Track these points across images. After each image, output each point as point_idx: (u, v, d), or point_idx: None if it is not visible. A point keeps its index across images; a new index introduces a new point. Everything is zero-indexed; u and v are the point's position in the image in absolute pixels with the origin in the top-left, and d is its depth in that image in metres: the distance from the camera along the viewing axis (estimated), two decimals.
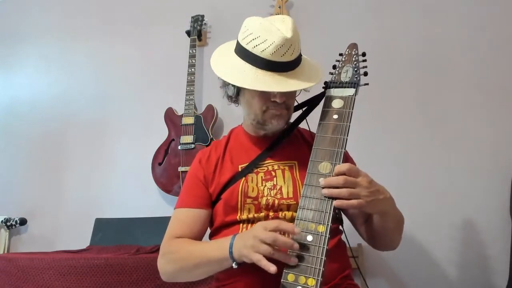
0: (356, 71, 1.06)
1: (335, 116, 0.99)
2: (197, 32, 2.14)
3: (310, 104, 1.15)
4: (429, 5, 1.96)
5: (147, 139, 2.15)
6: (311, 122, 1.17)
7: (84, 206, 2.19)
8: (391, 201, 0.98)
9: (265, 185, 1.06)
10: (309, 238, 0.85)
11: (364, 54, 1.08)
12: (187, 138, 1.97)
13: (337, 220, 1.10)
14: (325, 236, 0.84)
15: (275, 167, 1.09)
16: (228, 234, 0.99)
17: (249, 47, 1.01)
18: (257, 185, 1.06)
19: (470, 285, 1.68)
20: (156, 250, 1.64)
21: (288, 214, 1.02)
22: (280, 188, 1.05)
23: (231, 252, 0.90)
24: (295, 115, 1.19)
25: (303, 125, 1.20)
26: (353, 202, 0.87)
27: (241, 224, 1.04)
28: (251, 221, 1.03)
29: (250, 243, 0.86)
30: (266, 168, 1.09)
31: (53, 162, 2.32)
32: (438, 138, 1.83)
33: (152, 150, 2.04)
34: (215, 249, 0.96)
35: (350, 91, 1.02)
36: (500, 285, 1.64)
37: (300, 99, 1.17)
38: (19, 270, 1.43)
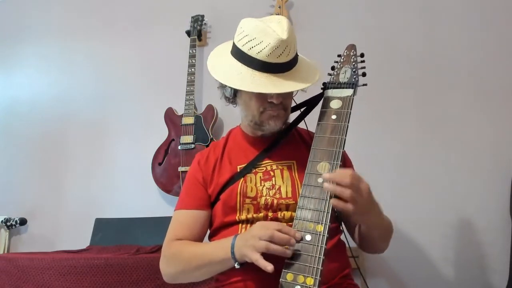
0: (354, 72, 1.06)
1: (334, 117, 1.00)
2: (197, 32, 2.14)
3: (309, 104, 1.16)
4: (429, 5, 1.96)
5: (147, 139, 2.15)
6: (310, 123, 1.17)
7: (84, 206, 2.19)
8: (380, 214, 0.99)
9: (264, 185, 1.06)
10: (308, 237, 0.85)
11: (362, 55, 1.08)
12: (187, 138, 1.97)
13: (336, 219, 1.10)
14: (323, 235, 0.84)
15: (274, 167, 1.09)
16: (227, 235, 0.99)
17: (245, 49, 1.01)
18: (255, 185, 1.06)
19: (470, 285, 1.68)
20: (156, 250, 1.64)
21: (287, 214, 1.02)
22: (279, 188, 1.05)
23: (233, 252, 0.91)
24: (294, 115, 1.19)
25: (301, 125, 1.20)
26: (349, 206, 0.86)
27: (240, 225, 1.04)
28: (250, 222, 1.03)
29: (250, 242, 0.87)
30: (264, 168, 1.09)
31: (53, 162, 2.32)
32: (438, 138, 1.83)
33: (152, 150, 2.04)
34: (217, 250, 0.96)
35: (348, 92, 1.03)
36: (500, 285, 1.64)
37: (298, 99, 1.17)
38: (19, 270, 1.43)
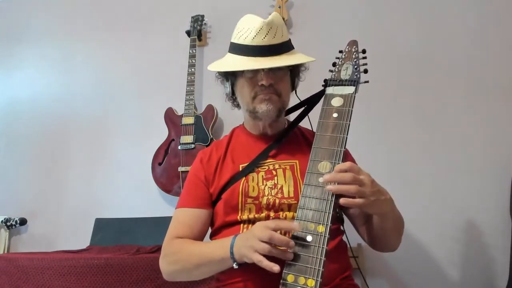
0: (356, 68, 1.05)
1: (335, 115, 0.98)
2: (197, 32, 2.14)
3: (310, 102, 1.16)
4: (429, 5, 1.96)
5: (147, 139, 2.15)
6: (312, 121, 1.17)
7: (84, 206, 2.18)
8: (391, 202, 0.97)
9: (266, 184, 1.06)
10: (309, 238, 0.84)
11: (364, 51, 1.07)
12: (187, 138, 1.97)
13: (338, 219, 1.10)
14: (324, 236, 0.83)
15: (276, 166, 1.09)
16: (229, 234, 0.99)
17: (235, 40, 1.08)
18: (258, 184, 1.06)
19: (469, 284, 1.68)
20: (156, 250, 1.64)
21: (289, 214, 1.01)
22: (281, 187, 1.05)
23: (232, 253, 0.91)
24: (295, 115, 1.19)
25: (306, 124, 1.20)
26: (359, 201, 0.85)
27: (241, 225, 1.04)
28: (251, 222, 1.03)
29: (249, 243, 0.86)
30: (267, 167, 1.09)
31: (53, 162, 2.32)
32: (437, 138, 1.83)
33: (152, 150, 2.03)
34: (216, 250, 0.96)
35: (350, 89, 1.01)
36: (500, 285, 1.64)
37: (300, 97, 1.17)
38: (19, 270, 1.43)
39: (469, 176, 1.75)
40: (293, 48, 1.13)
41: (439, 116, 1.85)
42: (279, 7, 2.06)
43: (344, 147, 0.93)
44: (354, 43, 1.11)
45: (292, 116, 1.23)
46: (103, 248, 1.74)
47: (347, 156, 1.16)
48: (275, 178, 1.07)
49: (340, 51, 1.10)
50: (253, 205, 1.04)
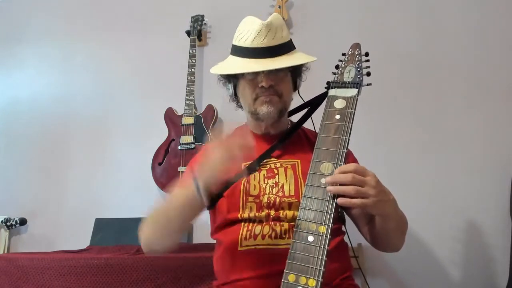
0: (359, 71, 1.05)
1: (338, 116, 0.98)
2: (197, 32, 2.14)
3: (313, 104, 1.15)
4: (429, 5, 1.96)
5: (147, 139, 2.14)
6: (315, 122, 1.17)
7: (84, 206, 2.18)
8: (394, 203, 0.98)
9: (267, 183, 1.07)
10: (310, 238, 0.84)
11: (367, 54, 1.08)
12: (187, 138, 1.97)
13: (339, 220, 1.10)
14: (326, 236, 0.83)
15: (278, 165, 1.10)
16: (230, 233, 1.00)
17: (236, 43, 1.09)
18: (259, 182, 1.07)
19: (469, 284, 1.68)
20: None
21: (290, 213, 1.01)
22: (282, 186, 1.05)
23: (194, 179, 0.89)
24: (299, 116, 1.18)
25: (309, 125, 1.20)
26: (356, 201, 0.86)
27: (242, 223, 1.03)
28: (252, 220, 1.03)
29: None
30: (268, 166, 1.10)
31: (53, 162, 2.32)
32: (437, 138, 1.83)
33: (152, 150, 2.03)
34: (180, 193, 0.95)
35: (352, 91, 1.02)
36: (500, 285, 1.64)
37: (300, 99, 1.17)
38: (19, 270, 1.43)
39: (469, 176, 1.75)
40: (294, 48, 1.13)
41: (439, 116, 1.85)
42: (279, 7, 2.06)
43: (346, 149, 0.93)
44: (357, 46, 1.11)
45: (295, 117, 1.23)
46: (103, 248, 1.74)
47: (348, 156, 1.15)
48: (277, 176, 1.07)
49: (343, 54, 1.11)
50: (254, 204, 1.04)
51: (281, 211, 1.02)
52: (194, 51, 2.10)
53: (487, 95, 1.81)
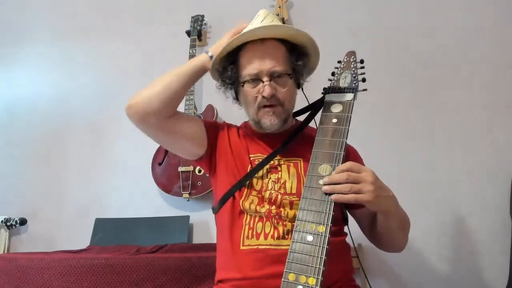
0: (354, 77, 1.08)
1: (334, 120, 1.01)
2: (197, 32, 2.14)
3: (311, 109, 1.16)
4: (431, 5, 1.96)
5: (147, 139, 2.12)
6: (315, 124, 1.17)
7: (84, 206, 2.18)
8: (394, 200, 0.98)
9: (270, 178, 1.07)
10: (309, 238, 0.85)
11: (362, 61, 1.10)
12: None
13: (343, 220, 1.10)
14: (325, 236, 0.85)
15: (281, 162, 1.10)
16: (232, 229, 1.02)
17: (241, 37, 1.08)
18: (262, 177, 1.07)
19: (470, 284, 1.68)
20: (156, 250, 1.64)
21: (291, 213, 1.01)
22: (284, 183, 1.06)
23: (211, 55, 1.10)
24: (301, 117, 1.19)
25: (312, 124, 1.19)
26: (350, 196, 0.87)
27: (244, 220, 1.04)
28: (253, 216, 1.03)
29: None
30: (272, 162, 1.10)
31: (53, 162, 2.32)
32: (437, 138, 1.83)
33: (152, 150, 2.04)
34: (190, 62, 1.12)
35: (349, 96, 1.04)
36: (500, 285, 1.64)
37: (299, 104, 1.17)
38: (19, 270, 1.43)
39: (469, 176, 1.75)
40: None
41: (439, 116, 1.85)
42: (279, 7, 2.06)
43: (344, 151, 0.95)
44: (352, 53, 1.14)
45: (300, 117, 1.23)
46: (103, 248, 1.74)
47: (350, 156, 1.15)
48: (280, 173, 1.08)
49: (339, 61, 1.14)
50: (256, 198, 1.05)
51: (282, 209, 1.02)
52: (194, 51, 2.10)
53: (487, 95, 1.82)
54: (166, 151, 2.01)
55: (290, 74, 1.08)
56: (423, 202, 1.76)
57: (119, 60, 2.35)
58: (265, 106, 1.07)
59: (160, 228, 1.94)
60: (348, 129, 0.98)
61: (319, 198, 0.90)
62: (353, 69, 1.10)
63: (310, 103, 1.17)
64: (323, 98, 1.08)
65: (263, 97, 1.05)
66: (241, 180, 1.08)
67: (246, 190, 1.06)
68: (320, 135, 1.00)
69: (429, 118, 1.86)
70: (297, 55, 1.10)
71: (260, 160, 1.10)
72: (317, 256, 0.83)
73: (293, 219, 0.99)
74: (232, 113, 1.98)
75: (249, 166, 1.10)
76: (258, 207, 1.03)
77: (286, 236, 0.99)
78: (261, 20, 1.08)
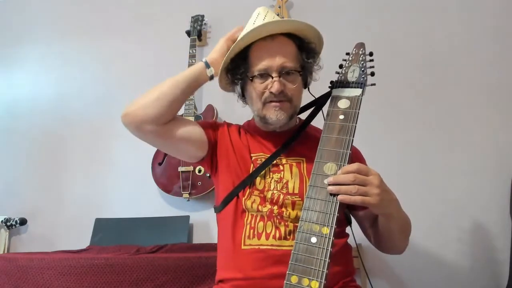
0: (363, 71, 1.04)
1: (341, 117, 0.97)
2: (197, 32, 2.14)
3: (317, 104, 1.14)
4: (432, 5, 1.96)
5: None
6: (318, 122, 1.16)
7: (84, 206, 2.18)
8: (397, 204, 0.98)
9: (272, 177, 1.06)
10: (313, 240, 0.84)
11: (371, 54, 1.06)
12: None
13: (346, 221, 1.10)
14: (329, 238, 0.83)
15: (284, 161, 1.09)
16: (233, 228, 1.02)
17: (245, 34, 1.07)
18: (264, 177, 1.07)
19: (470, 284, 1.68)
20: (156, 250, 1.64)
21: (293, 213, 1.01)
22: (287, 183, 1.05)
23: (205, 62, 1.11)
24: (303, 116, 1.18)
25: (316, 122, 1.19)
26: (357, 198, 0.85)
27: (245, 219, 1.03)
28: (254, 216, 1.03)
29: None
30: (274, 161, 1.09)
31: (53, 162, 2.32)
32: (438, 138, 1.83)
33: (152, 150, 2.03)
34: (187, 70, 1.13)
35: (357, 91, 1.01)
36: (500, 285, 1.64)
37: (306, 99, 1.16)
38: (19, 270, 1.43)
39: (469, 177, 1.75)
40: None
41: (439, 116, 1.85)
42: (279, 7, 2.06)
43: (350, 149, 0.92)
44: (361, 45, 1.10)
45: (303, 114, 1.22)
46: (103, 248, 1.74)
47: (359, 158, 1.15)
48: (282, 172, 1.07)
49: (347, 53, 1.09)
50: (258, 197, 1.04)
51: (284, 210, 1.02)
52: (194, 51, 2.10)
53: (488, 95, 1.82)
54: None
55: (300, 71, 1.07)
56: (423, 202, 1.76)
57: (119, 60, 2.35)
58: (271, 102, 1.06)
59: (160, 228, 1.94)
60: (355, 127, 0.94)
61: (324, 198, 0.87)
62: (362, 62, 1.06)
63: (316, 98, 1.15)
64: (329, 92, 1.05)
65: (271, 93, 1.04)
66: (245, 180, 1.07)
67: (248, 189, 1.06)
68: (326, 132, 0.96)
69: (429, 118, 1.86)
70: (307, 53, 1.10)
71: (263, 159, 1.09)
72: (321, 259, 0.81)
73: (295, 220, 0.99)
74: (232, 113, 1.98)
75: (251, 165, 1.09)
76: (260, 207, 1.03)
77: (288, 237, 0.98)
78: (263, 17, 1.07)
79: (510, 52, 1.83)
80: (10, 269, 1.45)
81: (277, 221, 1.01)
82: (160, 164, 2.02)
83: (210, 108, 2.02)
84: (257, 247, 0.99)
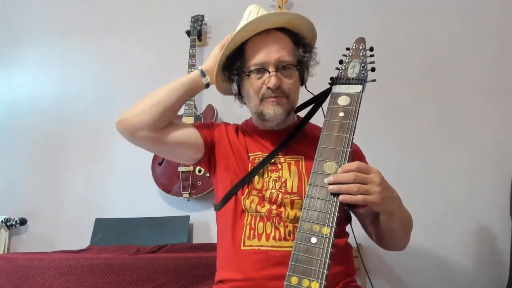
0: (363, 66, 1.02)
1: (341, 114, 0.95)
2: (197, 32, 2.14)
3: (317, 101, 1.13)
4: (432, 5, 1.96)
5: None
6: (317, 119, 1.16)
7: (84, 206, 2.18)
8: (399, 201, 0.97)
9: (271, 176, 1.05)
10: (313, 240, 0.83)
11: (371, 49, 1.05)
12: None
13: (346, 219, 1.09)
14: (329, 238, 0.82)
15: (282, 160, 1.08)
16: (233, 228, 1.01)
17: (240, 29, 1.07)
18: (262, 176, 1.06)
19: (469, 284, 1.68)
20: (156, 250, 1.64)
21: (292, 213, 1.00)
22: (285, 181, 1.04)
23: (201, 70, 1.11)
24: (303, 113, 1.18)
25: (315, 120, 1.18)
26: (358, 197, 0.84)
27: (244, 220, 1.03)
28: (254, 216, 1.02)
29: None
30: (273, 160, 1.08)
31: (53, 162, 2.32)
32: (438, 138, 1.83)
33: None
34: (183, 77, 1.12)
35: (357, 88, 0.99)
36: (500, 285, 1.64)
37: (304, 96, 1.16)
38: (19, 270, 1.43)
39: (469, 176, 1.75)
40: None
41: (439, 116, 1.85)
42: (279, 7, 2.06)
43: (350, 148, 0.91)
44: (361, 40, 1.08)
45: (302, 112, 1.22)
46: (103, 248, 1.74)
47: (354, 154, 1.14)
48: (280, 171, 1.06)
49: (347, 48, 1.08)
50: (257, 197, 1.04)
51: (282, 209, 1.01)
52: (194, 51, 2.10)
53: (488, 95, 1.82)
54: None
55: (296, 66, 1.07)
56: (423, 202, 1.76)
57: (119, 60, 2.35)
58: (269, 97, 1.05)
59: (160, 228, 1.94)
60: (355, 124, 0.93)
61: (323, 197, 0.86)
62: (362, 58, 1.03)
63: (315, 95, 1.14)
64: (329, 89, 1.03)
65: (268, 88, 1.04)
66: (243, 179, 1.07)
67: (247, 188, 1.05)
68: (326, 129, 0.94)
69: (429, 118, 1.86)
70: (304, 47, 1.09)
71: (261, 158, 1.08)
72: (321, 260, 0.80)
73: (294, 220, 0.99)
74: (232, 113, 1.98)
75: (249, 165, 1.09)
76: (258, 207, 1.02)
77: (288, 238, 0.98)
78: (255, 14, 1.07)
79: (510, 52, 1.83)
80: (10, 269, 1.45)
81: (276, 221, 1.00)
82: (160, 164, 2.02)
83: (210, 108, 2.02)
84: (257, 248, 0.98)
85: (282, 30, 1.09)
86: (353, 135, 0.92)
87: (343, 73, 1.03)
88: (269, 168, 1.07)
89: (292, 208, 1.02)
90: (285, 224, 0.99)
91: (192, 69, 2.06)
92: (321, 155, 0.92)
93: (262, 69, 1.04)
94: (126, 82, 2.31)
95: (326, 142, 0.93)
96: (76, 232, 2.11)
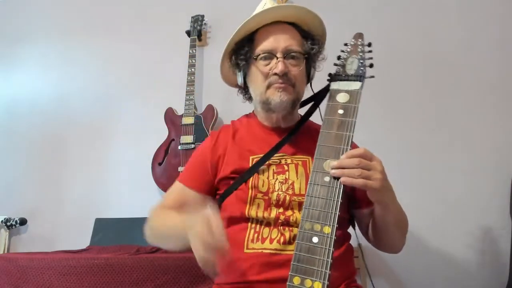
0: (362, 62, 1.01)
1: (341, 111, 0.94)
2: (197, 32, 2.14)
3: (316, 98, 1.12)
4: (432, 5, 1.96)
5: (147, 139, 2.14)
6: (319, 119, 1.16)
7: (84, 206, 2.18)
8: (394, 196, 0.97)
9: (277, 178, 1.03)
10: (315, 239, 0.81)
11: (370, 45, 1.04)
12: (187, 138, 1.97)
13: (348, 222, 1.08)
14: (331, 238, 0.81)
15: (288, 161, 1.06)
16: (236, 232, 0.99)
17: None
18: (268, 178, 1.03)
19: (469, 284, 1.68)
20: (156, 250, 1.64)
21: (300, 215, 0.96)
22: (292, 183, 1.02)
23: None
24: (303, 110, 1.17)
25: (318, 120, 1.18)
26: (359, 181, 0.84)
27: (249, 223, 1.01)
28: (259, 222, 1.00)
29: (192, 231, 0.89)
30: (278, 161, 1.06)
31: (53, 162, 2.32)
32: (438, 138, 1.83)
33: (152, 150, 2.03)
34: (180, 225, 0.96)
35: (356, 85, 0.97)
36: (500, 285, 1.64)
37: (306, 94, 1.15)
38: (19, 270, 1.43)
39: (469, 176, 1.76)
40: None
41: (439, 116, 1.85)
42: None
43: (350, 145, 0.90)
44: (360, 35, 1.07)
45: (302, 111, 1.21)
46: (103, 248, 1.74)
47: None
48: (287, 173, 1.04)
49: (345, 44, 1.06)
50: (262, 201, 1.01)
51: (290, 212, 0.99)
52: (194, 51, 2.10)
53: (488, 95, 1.82)
54: (166, 151, 2.01)
55: (304, 54, 1.07)
56: (423, 202, 1.76)
57: (119, 60, 2.35)
58: (275, 83, 1.04)
59: None
60: (355, 122, 0.92)
61: (324, 196, 0.85)
62: (361, 53, 1.02)
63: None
64: (328, 86, 1.02)
65: (275, 74, 1.03)
66: (243, 175, 1.04)
67: (250, 192, 1.02)
68: (325, 127, 0.93)
69: (429, 118, 1.86)
70: (312, 41, 1.10)
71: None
72: (323, 259, 0.79)
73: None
74: (232, 113, 1.99)
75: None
76: (265, 213, 0.99)
77: (292, 241, 0.95)
78: (271, 5, 1.08)
79: (510, 52, 1.83)
80: (10, 269, 1.45)
81: (283, 228, 0.98)
82: (160, 164, 2.02)
83: (210, 108, 2.02)
84: (260, 251, 0.96)
85: (292, 24, 1.10)
86: (353, 133, 0.91)
87: (341, 69, 1.02)
88: (275, 170, 1.04)
89: (300, 210, 0.98)
90: (291, 229, 0.97)
91: (192, 69, 2.06)
92: (321, 153, 0.91)
93: (270, 55, 1.05)
94: (126, 82, 2.31)
95: (326, 140, 0.92)
96: (76, 232, 2.11)
